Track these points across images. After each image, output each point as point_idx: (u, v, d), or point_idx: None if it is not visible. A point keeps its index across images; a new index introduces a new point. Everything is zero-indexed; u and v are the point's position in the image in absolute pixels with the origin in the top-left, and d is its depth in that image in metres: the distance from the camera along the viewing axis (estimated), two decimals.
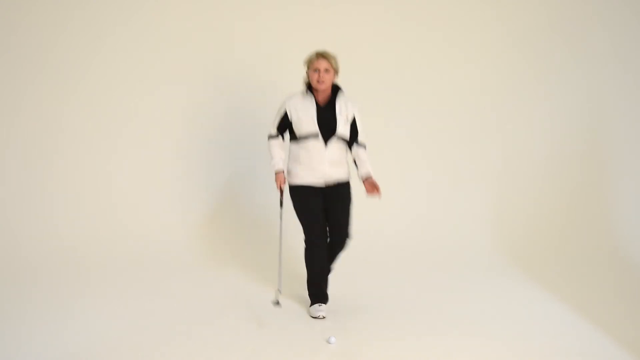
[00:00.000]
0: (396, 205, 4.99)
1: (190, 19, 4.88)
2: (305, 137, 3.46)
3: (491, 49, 5.13)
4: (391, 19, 5.06)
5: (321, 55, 3.42)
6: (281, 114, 3.54)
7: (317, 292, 3.61)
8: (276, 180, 3.57)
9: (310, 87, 3.50)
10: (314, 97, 3.49)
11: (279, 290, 3.49)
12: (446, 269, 4.46)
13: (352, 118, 3.54)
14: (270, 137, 3.62)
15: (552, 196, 5.09)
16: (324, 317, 3.51)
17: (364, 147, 3.62)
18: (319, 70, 3.41)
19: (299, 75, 3.63)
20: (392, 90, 5.04)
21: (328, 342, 3.19)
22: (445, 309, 3.70)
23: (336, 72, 3.48)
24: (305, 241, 3.59)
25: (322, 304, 3.58)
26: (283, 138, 3.63)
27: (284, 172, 3.58)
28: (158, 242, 4.67)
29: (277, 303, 3.43)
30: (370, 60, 5.03)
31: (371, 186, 3.51)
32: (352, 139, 3.59)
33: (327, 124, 3.46)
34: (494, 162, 5.14)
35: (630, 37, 5.13)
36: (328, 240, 3.61)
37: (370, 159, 3.63)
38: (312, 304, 3.60)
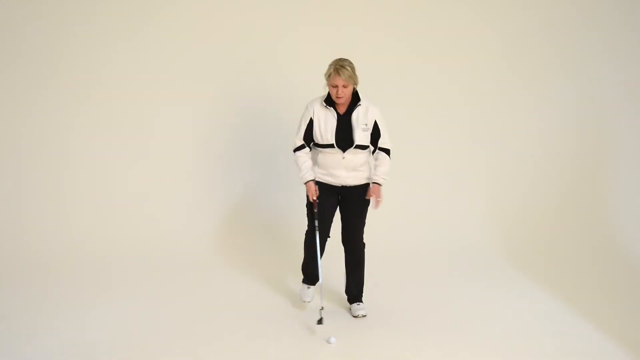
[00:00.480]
0: (396, 205, 4.97)
1: (207, 25, 4.89)
2: (324, 146, 3.46)
3: (490, 50, 5.11)
4: (391, 20, 5.05)
5: (338, 72, 3.32)
6: (306, 122, 3.46)
7: (309, 274, 3.68)
8: (308, 191, 3.50)
9: (329, 97, 3.44)
10: (335, 106, 3.45)
11: (322, 308, 3.43)
12: (446, 269, 4.45)
13: (373, 123, 3.46)
14: (296, 149, 3.53)
15: (553, 196, 5.08)
16: (309, 302, 3.61)
17: (387, 152, 3.53)
18: (337, 87, 3.35)
19: (315, 77, 3.59)
20: (391, 91, 5.02)
21: (328, 342, 3.20)
22: (445, 308, 3.70)
23: (355, 84, 3.41)
24: (307, 232, 3.63)
25: (311, 286, 3.68)
26: (310, 147, 3.53)
27: (314, 181, 3.50)
28: (170, 242, 4.70)
29: (320, 321, 3.36)
30: (370, 61, 4.99)
31: (374, 193, 3.49)
32: (375, 143, 3.53)
33: (345, 136, 3.42)
34: (494, 162, 5.13)
35: (627, 37, 5.10)
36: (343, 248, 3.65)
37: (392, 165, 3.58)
38: (302, 285, 3.72)
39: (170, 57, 4.86)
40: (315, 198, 3.49)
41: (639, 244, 4.73)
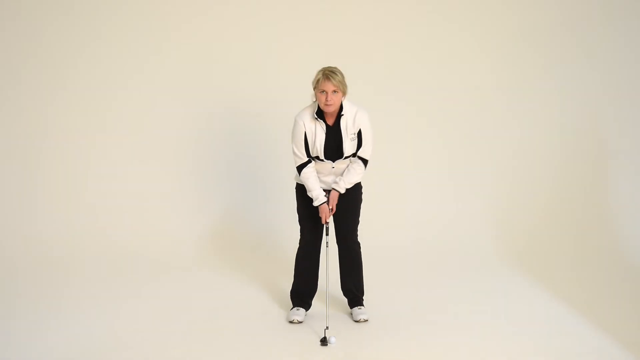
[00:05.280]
0: (396, 205, 5.00)
1: (202, 33, 4.99)
2: (314, 158, 3.43)
3: (491, 51, 5.14)
4: (393, 18, 5.09)
5: (328, 77, 3.23)
6: (302, 136, 3.35)
7: (299, 295, 3.61)
8: (321, 214, 3.42)
9: (319, 109, 3.35)
10: (324, 117, 3.35)
11: (327, 327, 3.30)
12: (447, 269, 4.45)
13: (358, 131, 3.37)
14: (301, 166, 3.40)
15: (554, 196, 5.06)
16: (299, 322, 3.48)
17: (363, 162, 3.44)
18: (326, 93, 3.24)
19: (307, 81, 3.51)
20: (393, 90, 5.06)
21: (328, 342, 3.20)
22: (446, 308, 3.70)
23: (344, 93, 3.31)
24: (300, 241, 3.61)
25: (301, 309, 3.57)
26: (312, 160, 3.42)
27: (327, 202, 3.42)
28: (160, 245, 4.74)
29: (324, 340, 3.20)
30: (374, 61, 5.06)
31: (332, 201, 3.43)
32: (357, 151, 3.41)
33: (334, 148, 3.37)
34: (494, 162, 5.13)
35: (632, 37, 5.11)
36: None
37: (366, 173, 3.49)
38: (292, 307, 3.61)
39: (165, 61, 4.96)
40: (328, 221, 3.45)
41: (639, 243, 4.72)
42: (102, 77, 4.93)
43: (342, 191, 3.46)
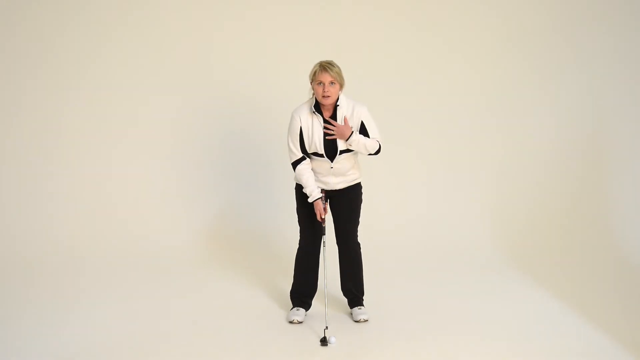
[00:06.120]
0: (396, 205, 5.02)
1: (193, 32, 4.99)
2: (312, 154, 3.41)
3: (491, 49, 5.14)
4: (390, 20, 5.10)
5: (325, 68, 3.24)
6: (297, 132, 3.35)
7: (299, 295, 3.61)
8: (316, 210, 3.41)
9: (317, 103, 3.35)
10: (321, 112, 3.35)
11: (327, 327, 3.31)
12: (446, 269, 4.45)
13: (360, 125, 3.36)
14: (295, 162, 3.39)
15: (552, 195, 5.08)
16: (299, 322, 3.48)
17: (376, 140, 3.37)
18: (323, 84, 3.25)
19: (302, 79, 3.55)
20: (391, 91, 5.07)
21: (328, 342, 3.21)
22: (445, 308, 3.70)
23: (341, 86, 3.33)
24: (299, 241, 3.62)
25: (301, 309, 3.57)
26: (309, 157, 3.41)
27: (322, 198, 3.40)
28: (159, 244, 4.75)
29: (324, 340, 3.21)
30: (370, 62, 5.08)
31: (344, 122, 3.31)
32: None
33: (332, 143, 3.36)
34: (494, 162, 5.15)
35: (631, 37, 5.11)
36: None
37: (373, 158, 3.46)
38: (292, 307, 3.62)
39: (163, 61, 4.96)
40: (323, 217, 3.42)
41: (638, 243, 4.73)
42: (100, 77, 4.93)
43: (354, 137, 3.31)
